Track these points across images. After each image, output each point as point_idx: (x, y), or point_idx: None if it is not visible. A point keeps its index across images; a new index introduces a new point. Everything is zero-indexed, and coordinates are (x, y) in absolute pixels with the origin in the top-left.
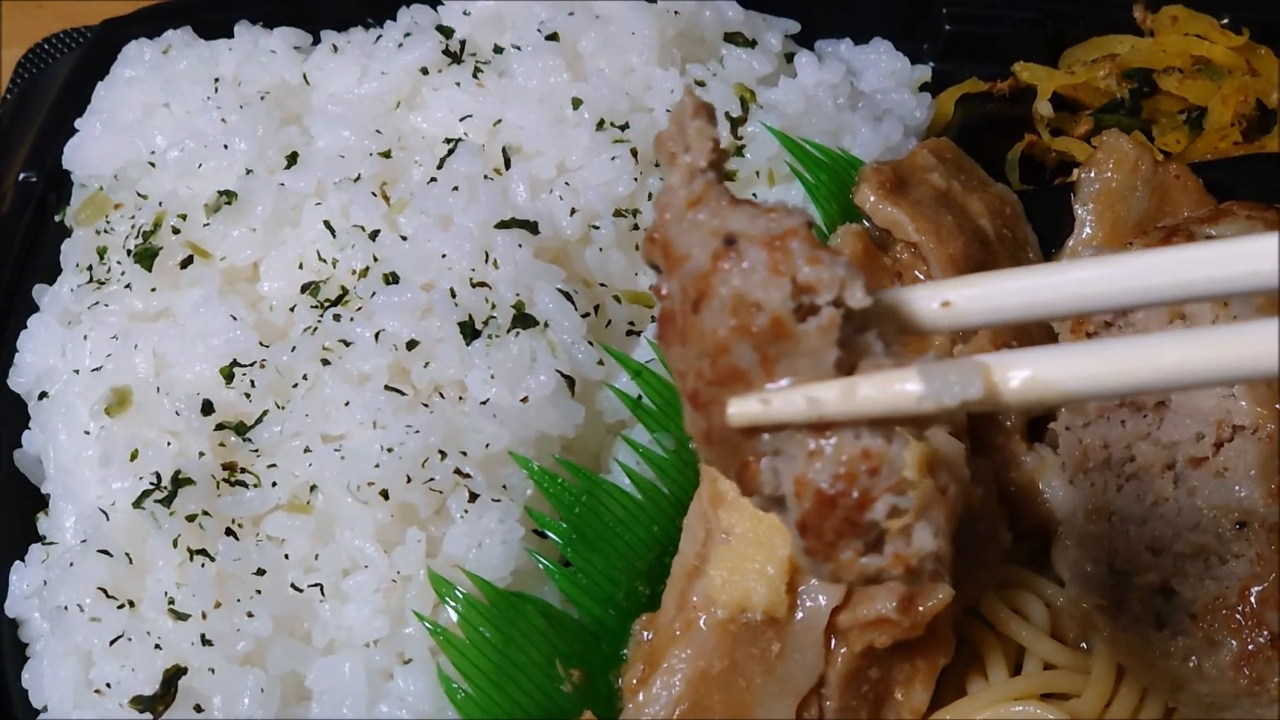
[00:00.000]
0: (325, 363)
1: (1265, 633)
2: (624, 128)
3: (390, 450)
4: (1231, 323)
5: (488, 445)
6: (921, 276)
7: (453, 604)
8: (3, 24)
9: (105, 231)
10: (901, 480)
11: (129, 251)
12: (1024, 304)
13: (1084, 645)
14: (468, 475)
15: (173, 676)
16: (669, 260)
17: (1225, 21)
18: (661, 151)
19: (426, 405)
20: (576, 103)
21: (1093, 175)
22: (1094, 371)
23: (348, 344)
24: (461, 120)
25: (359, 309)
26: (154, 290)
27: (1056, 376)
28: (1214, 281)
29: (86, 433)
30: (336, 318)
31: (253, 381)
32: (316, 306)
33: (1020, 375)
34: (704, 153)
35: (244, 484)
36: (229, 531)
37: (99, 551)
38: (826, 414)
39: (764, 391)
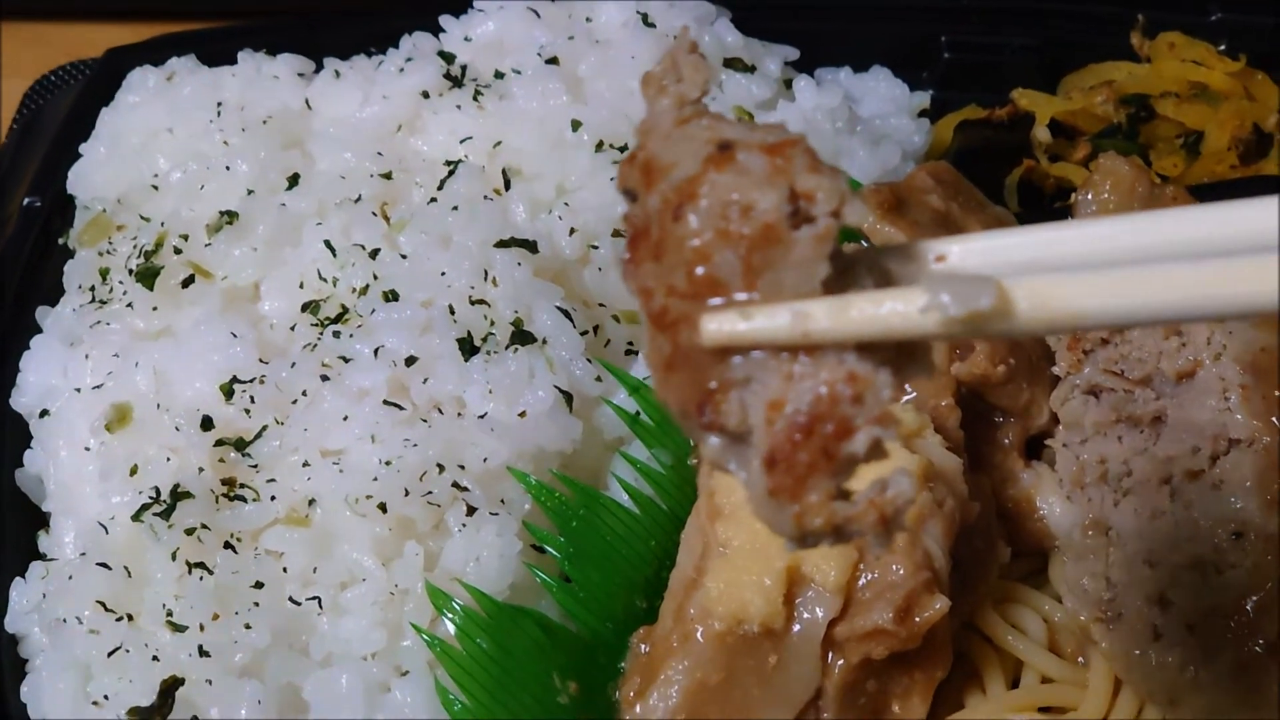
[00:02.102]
0: (324, 379)
1: (1262, 642)
2: (623, 149)
3: (389, 464)
4: (1249, 256)
5: (486, 460)
6: None
7: (450, 616)
8: (6, 54)
9: (108, 253)
10: (886, 412)
11: (131, 271)
12: (1021, 260)
13: (1081, 660)
14: (466, 489)
15: (170, 688)
16: (650, 175)
17: (1222, 48)
18: (649, 86)
19: (425, 420)
20: (576, 125)
21: (1090, 197)
22: (1110, 295)
23: (347, 360)
24: (462, 142)
25: (359, 326)
26: (155, 309)
27: (1071, 297)
28: (1219, 238)
29: (87, 449)
30: (336, 334)
31: (252, 398)
32: (316, 324)
33: (1033, 294)
34: (697, 84)
35: (243, 498)
36: (227, 545)
37: (98, 565)
38: (812, 332)
39: (744, 305)
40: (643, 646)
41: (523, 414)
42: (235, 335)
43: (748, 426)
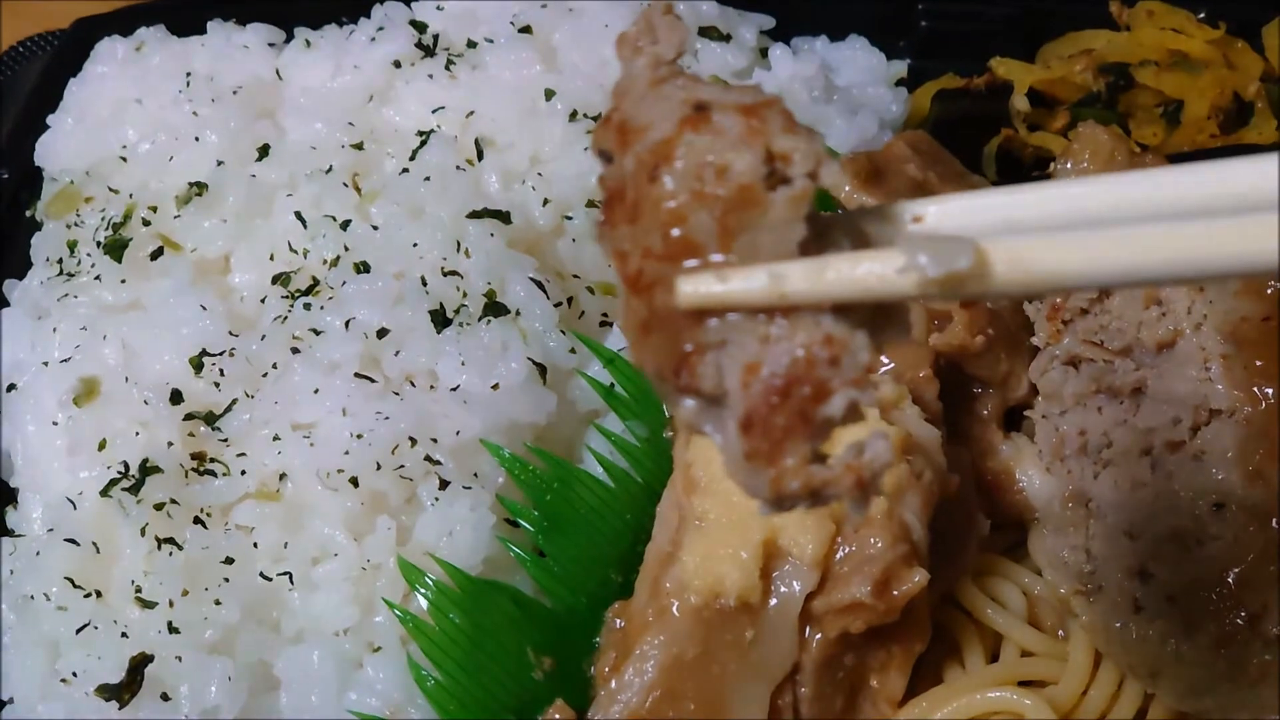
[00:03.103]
0: (295, 351)
1: (1243, 614)
2: (597, 119)
3: (360, 437)
4: (1232, 217)
5: (459, 432)
6: None
7: (423, 592)
8: None
9: (76, 225)
10: (864, 375)
11: (99, 244)
12: (999, 222)
13: (1061, 633)
14: (438, 463)
15: (139, 665)
16: (625, 136)
17: (1202, 16)
18: (624, 47)
19: (397, 393)
20: (549, 94)
21: (1069, 166)
22: (1089, 256)
23: (318, 333)
24: (434, 112)
25: (330, 298)
26: (124, 282)
27: (1050, 258)
28: (1197, 199)
29: (54, 423)
30: (307, 307)
31: (222, 371)
32: (287, 297)
33: (1011, 256)
34: (673, 45)
35: (213, 473)
36: (197, 520)
37: (66, 541)
38: (789, 293)
39: (721, 267)
40: (618, 621)
41: (496, 386)
42: (205, 308)
43: (724, 389)
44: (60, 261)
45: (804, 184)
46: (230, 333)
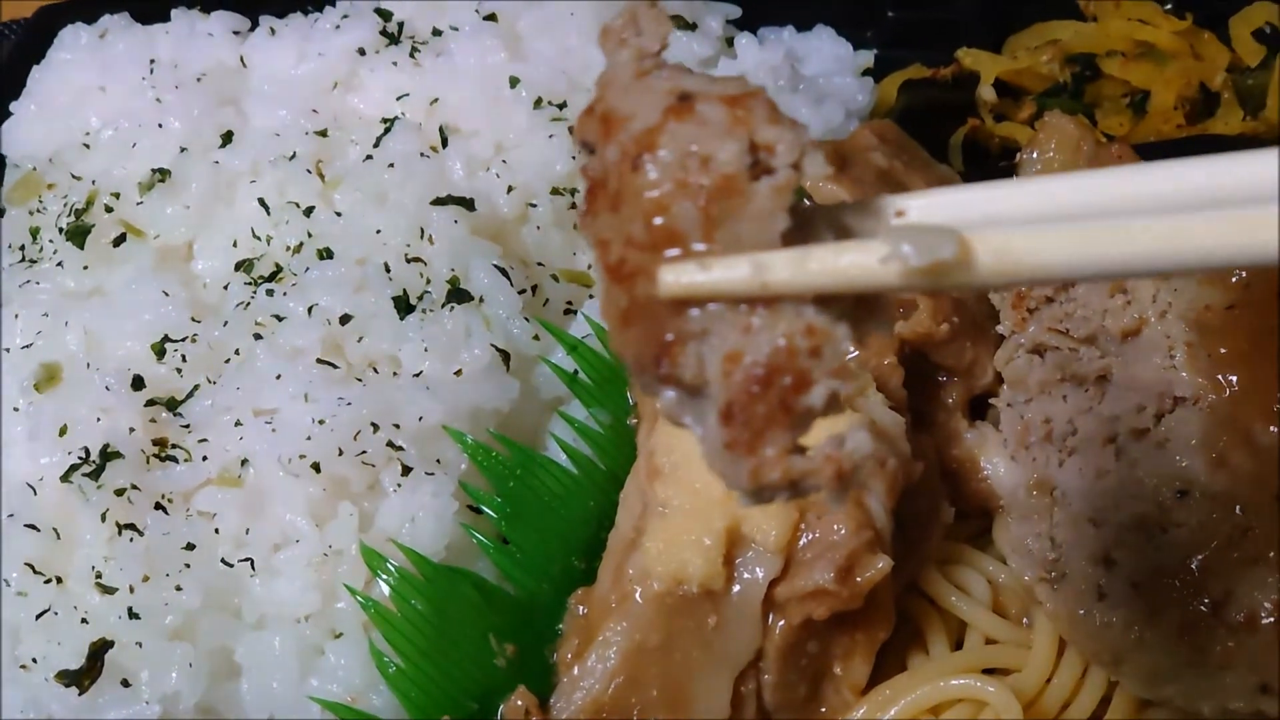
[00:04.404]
0: (258, 337)
1: (1207, 601)
2: (562, 106)
3: (322, 423)
4: (1224, 208)
5: (421, 419)
6: None
7: (385, 578)
8: None
9: (38, 211)
10: (844, 366)
11: (61, 230)
12: (982, 215)
13: (1026, 621)
14: (401, 449)
15: (99, 650)
16: (608, 126)
17: (1169, 7)
18: (608, 39)
19: (360, 379)
20: (514, 81)
21: (1035, 155)
22: (1071, 248)
23: (280, 319)
24: (398, 99)
25: (293, 284)
26: (86, 268)
27: (1033, 250)
28: (1178, 194)
29: (15, 409)
30: (270, 293)
31: (184, 357)
32: (250, 283)
33: (994, 247)
34: (657, 37)
35: (174, 458)
36: (158, 505)
37: (26, 526)
38: (771, 284)
39: (703, 256)
40: (581, 608)
41: (459, 373)
42: (167, 294)
43: (704, 379)
44: (22, 248)
45: (787, 174)
46: (193, 319)
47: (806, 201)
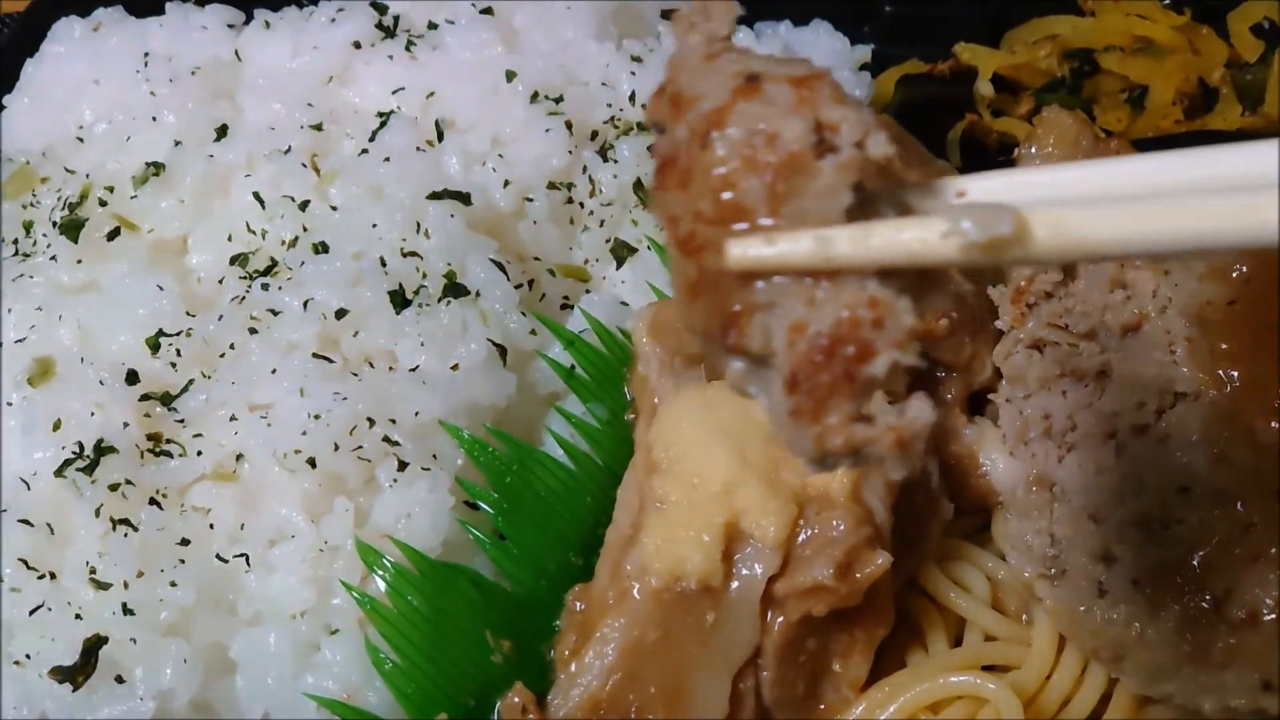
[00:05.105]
0: (253, 332)
1: (1208, 598)
2: (558, 100)
3: (318, 418)
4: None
5: (417, 414)
6: None
7: (381, 574)
8: None
9: (32, 205)
10: (906, 336)
11: (55, 224)
12: (1039, 196)
13: (1025, 617)
14: (397, 444)
15: (93, 646)
16: (678, 106)
17: (1167, 1)
18: (680, 23)
19: (355, 374)
20: (510, 76)
21: (1033, 150)
22: (1123, 226)
23: (276, 313)
24: (394, 93)
25: (288, 278)
26: (80, 262)
27: (1086, 227)
28: (1226, 176)
29: (9, 404)
30: (265, 287)
31: (179, 351)
32: (245, 277)
33: (1050, 224)
34: (725, 22)
35: (168, 453)
36: (153, 501)
37: (19, 521)
38: (835, 257)
39: (769, 231)
40: (578, 604)
41: (455, 367)
42: (161, 288)
43: (770, 349)
44: (16, 242)
45: (851, 153)
46: (187, 313)
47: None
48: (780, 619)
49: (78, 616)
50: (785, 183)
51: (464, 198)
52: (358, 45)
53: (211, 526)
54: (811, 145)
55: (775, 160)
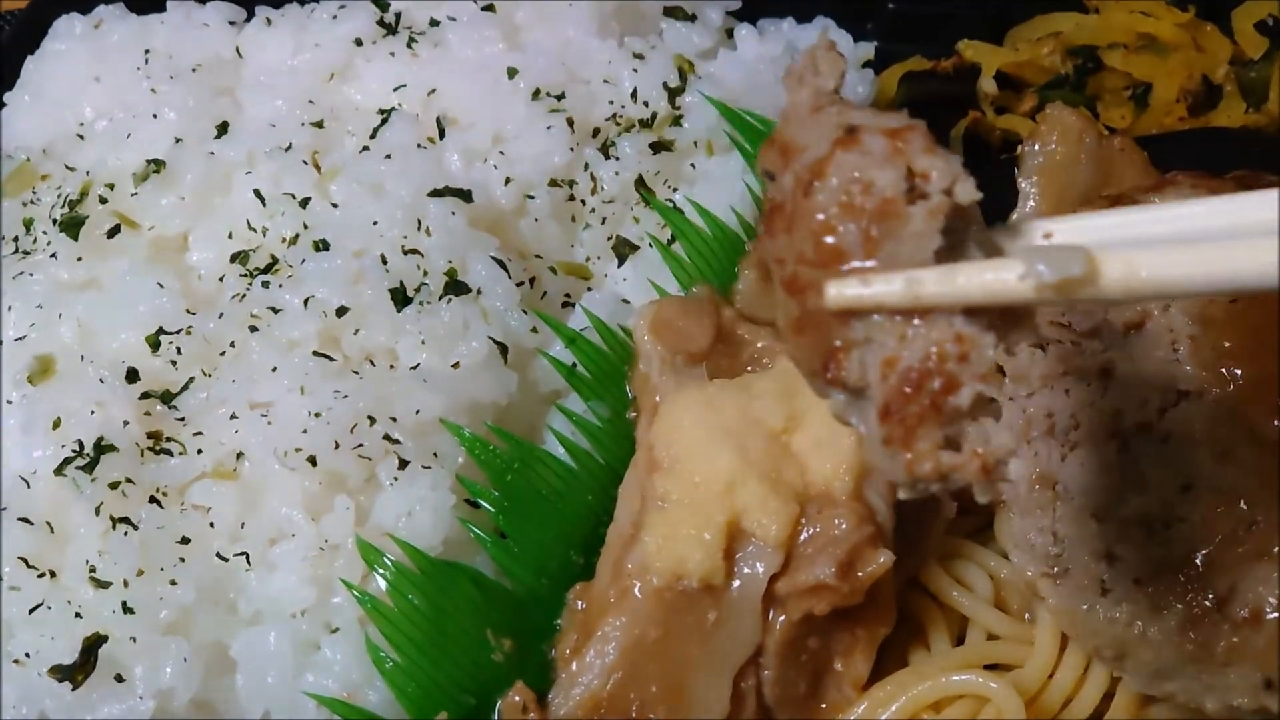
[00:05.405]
0: (253, 329)
1: (1211, 596)
2: (560, 97)
3: (318, 416)
4: None
5: (418, 412)
6: None
7: (382, 573)
8: None
9: (32, 203)
10: (990, 370)
11: (55, 221)
12: (1118, 237)
13: (1027, 616)
14: (398, 442)
15: (92, 645)
16: (786, 155)
17: None
18: (791, 78)
19: (356, 372)
20: (512, 73)
21: (1036, 148)
22: (1188, 266)
23: (276, 311)
24: (395, 90)
25: (289, 276)
26: (80, 260)
27: (1154, 268)
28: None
29: (9, 402)
30: (265, 285)
31: (179, 349)
32: (245, 275)
33: (1119, 265)
34: (833, 77)
35: (168, 451)
36: (153, 499)
37: (19, 520)
38: (923, 297)
39: (864, 272)
40: (579, 603)
41: (456, 365)
42: (162, 286)
43: (866, 382)
44: (16, 239)
45: (940, 199)
46: (188, 311)
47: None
48: (782, 618)
49: (77, 615)
50: (879, 227)
51: (465, 195)
52: (359, 42)
53: (212, 525)
54: (903, 192)
55: (870, 206)
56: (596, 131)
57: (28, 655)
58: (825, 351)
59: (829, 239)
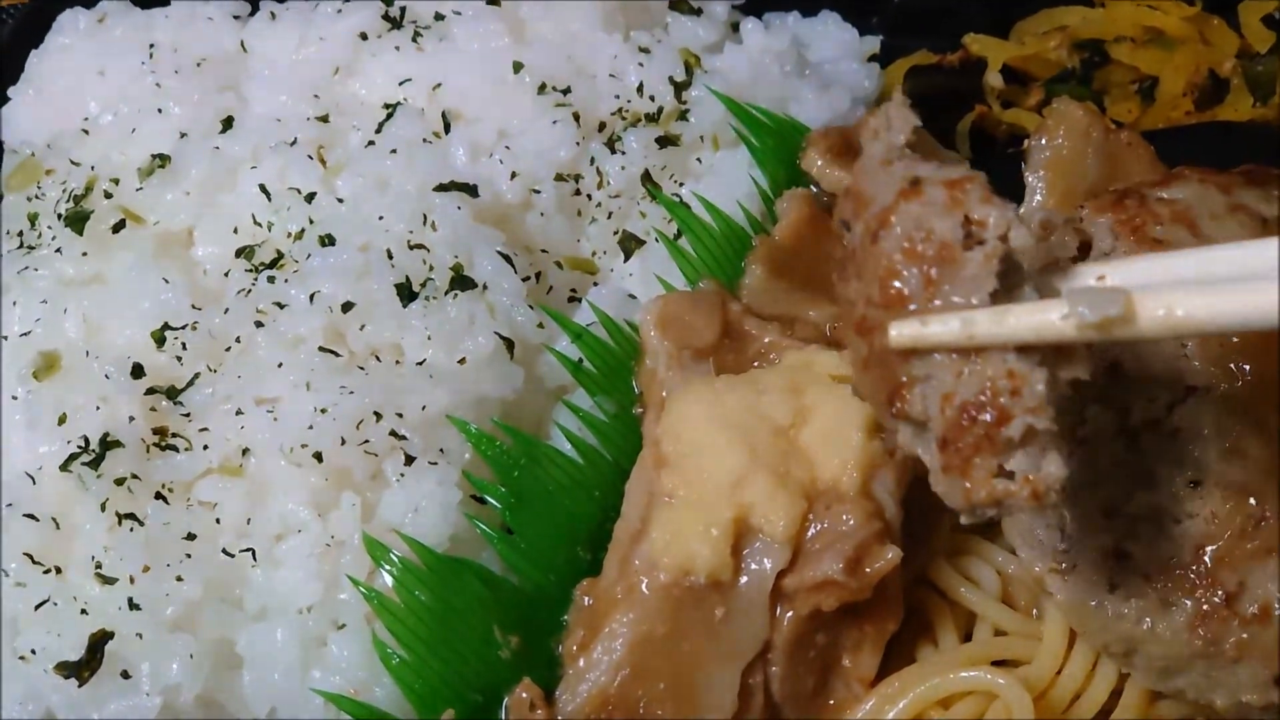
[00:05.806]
0: (259, 325)
1: (1220, 593)
2: (566, 92)
3: (324, 411)
4: None
5: (425, 407)
6: None
7: (389, 569)
8: None
9: (36, 197)
10: (1040, 404)
11: (60, 216)
12: (1163, 279)
13: (1035, 612)
14: (404, 438)
15: (99, 641)
16: (857, 205)
17: None
18: (866, 131)
19: (362, 367)
20: (518, 67)
21: (1043, 142)
22: (1220, 309)
23: (282, 306)
24: (401, 84)
25: (294, 271)
26: (85, 255)
27: (1190, 308)
28: None
29: (14, 398)
30: (271, 280)
31: (184, 344)
32: (251, 270)
33: (1157, 304)
34: (904, 132)
35: (174, 447)
36: (159, 495)
37: (25, 516)
38: (977, 335)
39: (924, 314)
40: (586, 599)
41: (462, 361)
42: (167, 281)
43: (927, 415)
44: (20, 234)
45: (995, 245)
46: (193, 306)
47: (814, 189)
48: (789, 614)
49: (83, 611)
50: (938, 271)
51: (471, 190)
52: (364, 36)
53: (218, 521)
54: (961, 239)
55: (930, 252)
56: (602, 126)
57: (34, 651)
58: (891, 388)
59: (894, 283)
